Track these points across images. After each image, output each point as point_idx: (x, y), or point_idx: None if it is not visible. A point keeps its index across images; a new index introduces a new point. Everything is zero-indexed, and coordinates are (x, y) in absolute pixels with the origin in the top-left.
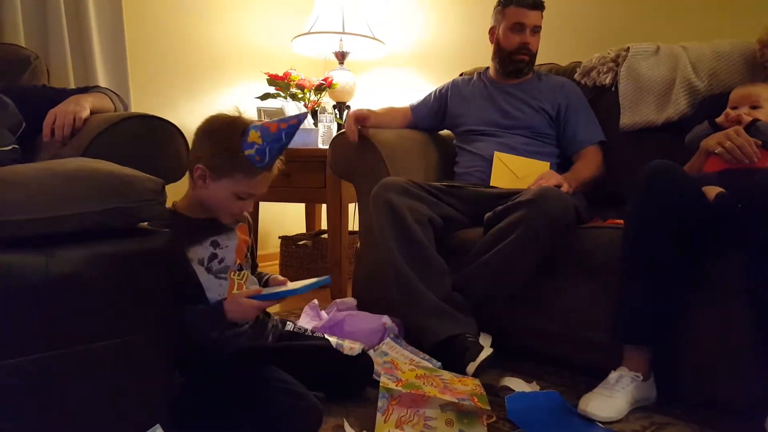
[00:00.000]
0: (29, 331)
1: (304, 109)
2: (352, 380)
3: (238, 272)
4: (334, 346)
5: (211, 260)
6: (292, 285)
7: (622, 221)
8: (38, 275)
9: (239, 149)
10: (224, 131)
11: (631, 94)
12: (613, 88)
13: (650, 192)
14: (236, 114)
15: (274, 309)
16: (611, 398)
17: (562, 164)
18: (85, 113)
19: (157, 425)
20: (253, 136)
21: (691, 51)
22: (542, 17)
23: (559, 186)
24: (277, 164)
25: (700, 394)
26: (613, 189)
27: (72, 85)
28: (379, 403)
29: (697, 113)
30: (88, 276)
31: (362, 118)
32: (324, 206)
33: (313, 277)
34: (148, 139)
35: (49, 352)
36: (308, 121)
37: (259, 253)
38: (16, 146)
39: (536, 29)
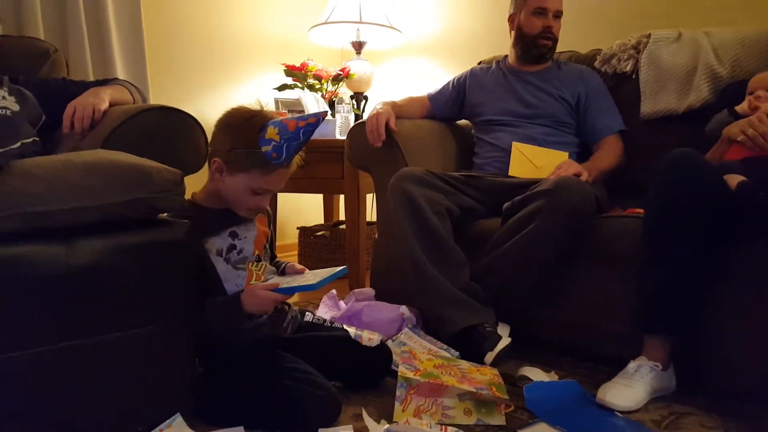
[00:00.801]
0: (51, 321)
1: (322, 101)
2: (371, 371)
3: (256, 263)
4: (353, 337)
5: (230, 251)
6: (310, 276)
7: (642, 210)
8: (59, 266)
9: (256, 145)
10: (242, 126)
11: (652, 82)
12: (633, 76)
13: (671, 180)
14: (257, 108)
15: (292, 299)
16: (630, 388)
17: (582, 153)
18: (105, 105)
19: (177, 414)
20: (271, 132)
21: (714, 37)
22: (562, 3)
23: (578, 175)
24: (296, 160)
25: (721, 384)
26: (634, 178)
27: (91, 78)
28: (398, 393)
29: (720, 100)
30: (109, 266)
31: (390, 118)
32: (342, 197)
33: (331, 267)
34: (167, 130)
35: (70, 342)
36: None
37: (277, 243)
38: (37, 138)
39: (558, 14)
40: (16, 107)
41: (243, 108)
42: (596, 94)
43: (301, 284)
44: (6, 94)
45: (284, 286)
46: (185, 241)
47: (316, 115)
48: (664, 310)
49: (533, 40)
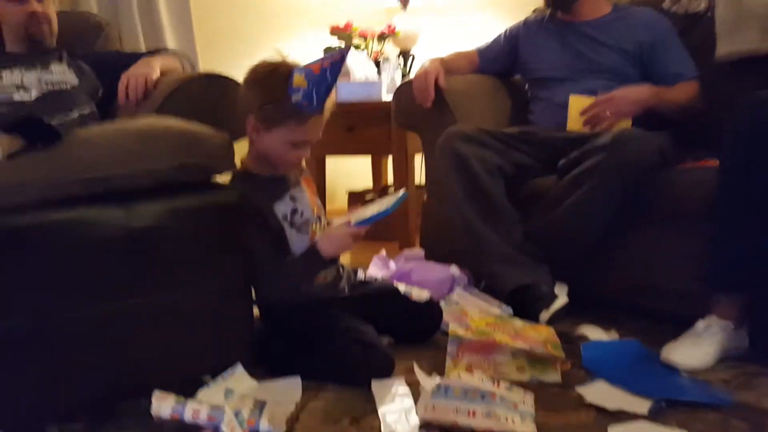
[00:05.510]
0: (112, 280)
1: (369, 60)
2: (422, 326)
3: (318, 222)
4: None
5: (293, 214)
6: (370, 209)
7: (716, 162)
8: (119, 228)
9: (285, 96)
10: (268, 79)
11: (731, 20)
12: (708, 14)
13: (753, 127)
14: (279, 59)
15: (344, 260)
16: (698, 346)
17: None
18: (156, 75)
19: (238, 363)
20: (298, 80)
21: None
22: None
23: (636, 101)
24: (329, 105)
25: None
26: (708, 127)
27: (142, 49)
28: (449, 348)
29: None
30: (166, 228)
31: (438, 75)
32: (390, 159)
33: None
34: (216, 97)
35: (131, 300)
36: (372, 72)
37: (327, 208)
38: (95, 110)
39: None
40: (75, 81)
41: (265, 62)
42: (665, 42)
43: (376, 212)
44: (66, 68)
45: (357, 220)
46: (252, 207)
47: (340, 52)
48: (738, 266)
49: None
